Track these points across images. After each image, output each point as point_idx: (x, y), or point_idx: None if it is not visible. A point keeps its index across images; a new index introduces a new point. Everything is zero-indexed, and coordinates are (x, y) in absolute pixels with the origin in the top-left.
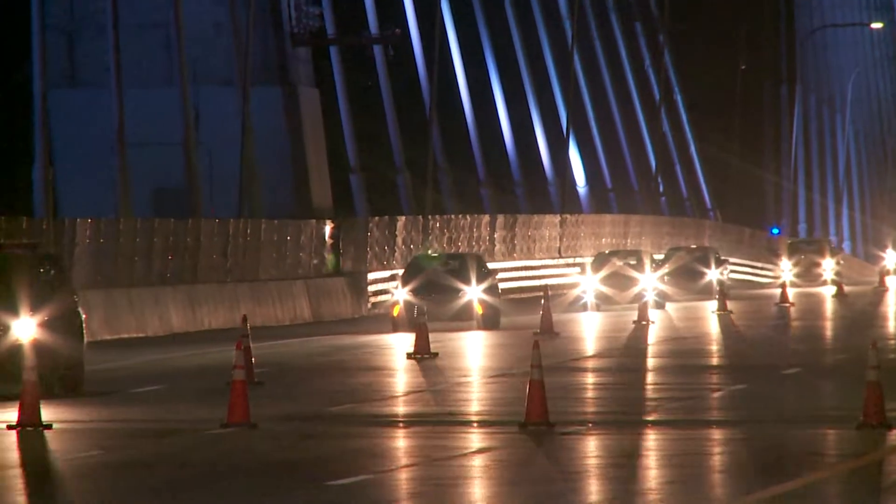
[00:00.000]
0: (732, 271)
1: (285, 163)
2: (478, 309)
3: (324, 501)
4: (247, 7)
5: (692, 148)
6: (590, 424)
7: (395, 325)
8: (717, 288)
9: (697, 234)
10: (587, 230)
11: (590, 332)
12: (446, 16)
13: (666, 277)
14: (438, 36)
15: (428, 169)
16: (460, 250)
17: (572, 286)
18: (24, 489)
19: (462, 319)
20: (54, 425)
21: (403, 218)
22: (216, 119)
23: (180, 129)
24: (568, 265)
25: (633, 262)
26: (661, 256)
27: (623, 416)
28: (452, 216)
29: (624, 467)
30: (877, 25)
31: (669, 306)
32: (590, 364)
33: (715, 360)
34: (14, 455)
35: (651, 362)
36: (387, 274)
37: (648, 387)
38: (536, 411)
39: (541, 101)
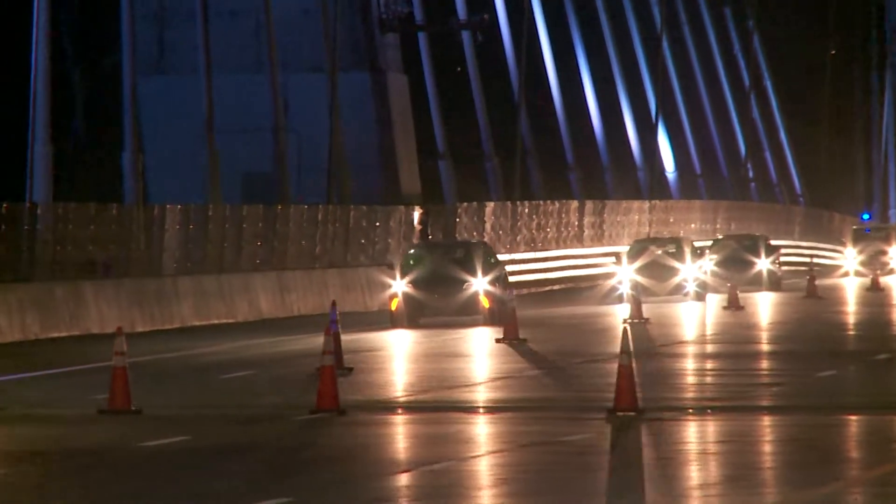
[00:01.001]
0: (820, 256)
1: (374, 149)
2: (484, 302)
3: (413, 486)
4: None
5: (781, 133)
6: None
7: (393, 321)
8: (766, 278)
9: (787, 220)
10: (676, 216)
11: (679, 318)
12: (534, 1)
13: (713, 267)
14: (526, 21)
15: (516, 154)
16: (548, 236)
17: (608, 276)
18: (114, 473)
19: (467, 314)
20: (144, 410)
21: (492, 204)
22: (305, 105)
23: (269, 116)
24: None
25: (672, 251)
26: (709, 243)
27: (711, 402)
28: (541, 202)
29: (711, 453)
30: None
31: (712, 297)
32: (680, 350)
33: (804, 346)
34: (104, 439)
35: (741, 348)
36: None
37: (737, 373)
38: (625, 397)
39: (629, 87)
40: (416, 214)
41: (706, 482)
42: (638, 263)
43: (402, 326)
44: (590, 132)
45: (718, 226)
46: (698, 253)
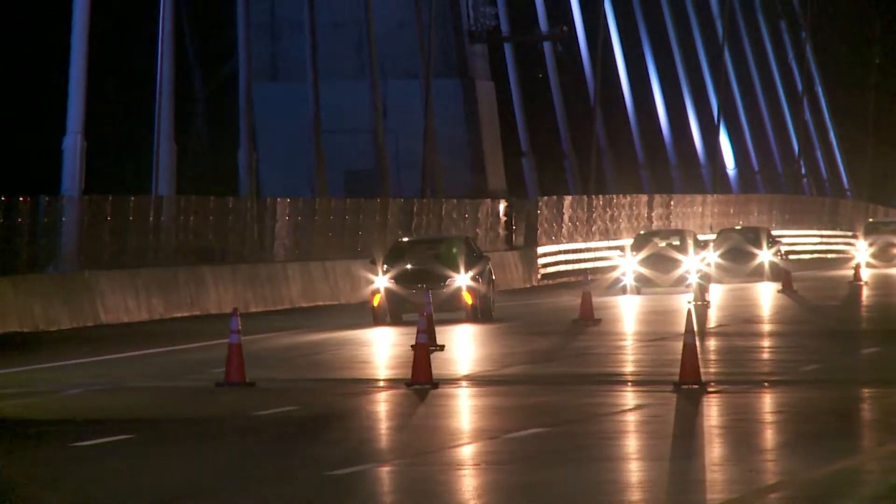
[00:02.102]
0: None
1: (464, 148)
2: (467, 298)
3: (500, 452)
4: (429, 7)
5: (831, 133)
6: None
7: (375, 317)
8: (768, 270)
9: (834, 212)
10: (736, 208)
11: (737, 301)
12: (609, 14)
13: (715, 259)
14: (602, 33)
15: (592, 152)
16: (621, 227)
17: (613, 268)
18: (230, 438)
19: (449, 309)
20: (257, 383)
21: (570, 197)
22: (402, 109)
23: (370, 118)
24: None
25: (675, 243)
26: (713, 236)
27: (765, 377)
28: (614, 196)
29: (768, 423)
30: None
31: (718, 288)
32: (738, 329)
33: (851, 326)
34: (221, 408)
35: (792, 328)
36: (554, 248)
37: (788, 349)
38: (689, 372)
39: (694, 91)
40: (502, 207)
41: (760, 449)
42: (641, 255)
43: (383, 323)
44: (658, 133)
45: (773, 216)
46: (702, 245)
